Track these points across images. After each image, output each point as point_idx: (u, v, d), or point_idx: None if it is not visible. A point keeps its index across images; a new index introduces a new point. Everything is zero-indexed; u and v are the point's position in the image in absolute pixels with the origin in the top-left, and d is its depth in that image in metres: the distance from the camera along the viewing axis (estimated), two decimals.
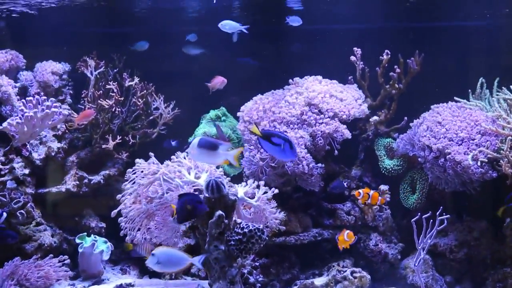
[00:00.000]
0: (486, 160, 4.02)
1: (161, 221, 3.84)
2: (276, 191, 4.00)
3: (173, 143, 5.08)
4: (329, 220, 4.57)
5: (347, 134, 4.44)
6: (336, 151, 4.42)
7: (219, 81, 4.90)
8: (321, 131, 4.39)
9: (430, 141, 4.29)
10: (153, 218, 3.82)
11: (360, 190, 4.22)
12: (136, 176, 3.81)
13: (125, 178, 3.87)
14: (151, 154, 3.90)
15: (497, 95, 4.40)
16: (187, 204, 3.40)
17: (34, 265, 4.05)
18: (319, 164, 4.34)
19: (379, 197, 4.26)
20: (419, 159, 4.41)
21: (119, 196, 3.85)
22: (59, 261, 4.19)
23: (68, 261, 4.26)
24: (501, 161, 3.93)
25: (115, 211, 3.81)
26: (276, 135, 3.69)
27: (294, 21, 5.00)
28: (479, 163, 4.04)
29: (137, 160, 3.89)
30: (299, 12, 5.29)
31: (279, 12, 5.35)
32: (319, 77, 4.83)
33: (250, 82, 5.47)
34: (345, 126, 4.46)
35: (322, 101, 4.51)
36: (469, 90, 4.62)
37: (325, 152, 4.49)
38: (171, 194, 3.70)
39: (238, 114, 4.66)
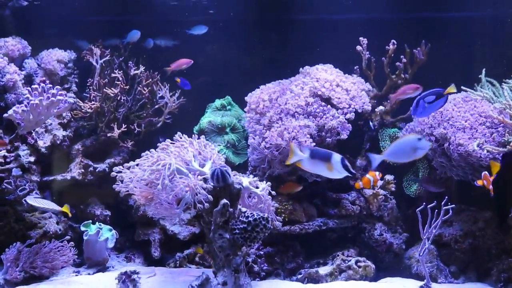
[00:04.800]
0: (492, 150, 4.02)
1: (163, 206, 3.80)
2: (274, 193, 4.03)
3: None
4: (334, 209, 4.56)
5: (345, 133, 4.45)
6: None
7: (182, 63, 4.96)
8: (327, 125, 4.38)
9: (432, 129, 4.32)
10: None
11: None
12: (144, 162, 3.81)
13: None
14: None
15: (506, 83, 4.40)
16: None
17: (40, 251, 4.05)
18: None
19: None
20: None
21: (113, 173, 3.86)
22: (63, 246, 4.20)
23: (71, 243, 4.27)
24: None
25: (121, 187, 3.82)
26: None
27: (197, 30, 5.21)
28: (485, 151, 4.05)
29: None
30: None
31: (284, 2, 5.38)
32: (327, 66, 4.83)
33: (255, 72, 5.46)
34: (348, 125, 4.47)
35: (328, 93, 4.49)
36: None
37: (334, 144, 4.48)
38: (177, 181, 3.68)
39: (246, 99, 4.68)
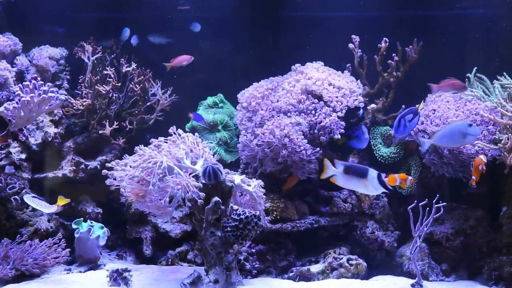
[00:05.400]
0: (484, 147, 4.04)
1: (154, 204, 3.79)
2: (264, 190, 4.02)
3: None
4: (325, 207, 4.56)
5: (338, 132, 4.43)
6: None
7: (183, 60, 4.97)
8: (319, 123, 4.38)
9: (423, 125, 4.36)
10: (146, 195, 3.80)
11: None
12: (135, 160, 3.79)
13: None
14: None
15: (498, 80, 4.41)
16: None
17: (31, 249, 4.03)
18: (317, 149, 4.31)
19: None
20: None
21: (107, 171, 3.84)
22: (55, 243, 4.17)
23: (63, 241, 4.23)
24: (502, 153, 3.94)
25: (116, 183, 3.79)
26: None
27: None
28: (476, 148, 4.06)
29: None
30: None
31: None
32: (318, 64, 4.82)
33: (247, 70, 5.45)
34: (342, 123, 4.45)
35: (320, 91, 4.49)
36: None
37: (327, 142, 4.48)
38: (167, 179, 3.67)
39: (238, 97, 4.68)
